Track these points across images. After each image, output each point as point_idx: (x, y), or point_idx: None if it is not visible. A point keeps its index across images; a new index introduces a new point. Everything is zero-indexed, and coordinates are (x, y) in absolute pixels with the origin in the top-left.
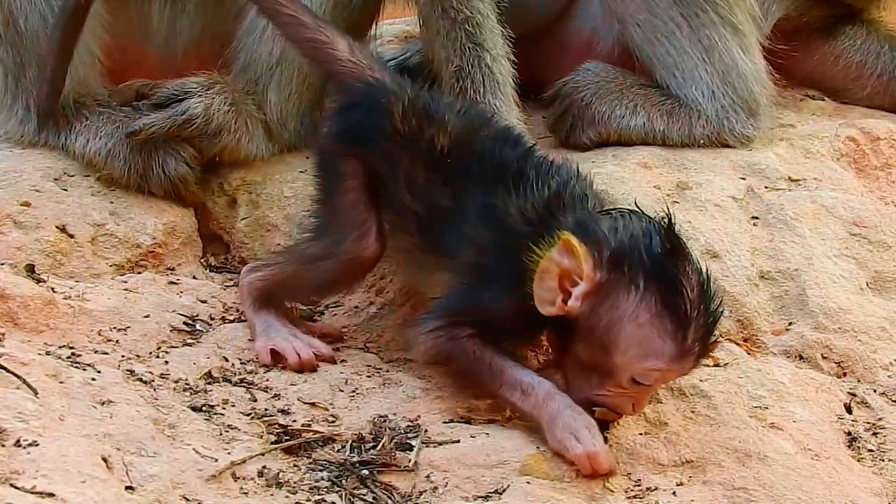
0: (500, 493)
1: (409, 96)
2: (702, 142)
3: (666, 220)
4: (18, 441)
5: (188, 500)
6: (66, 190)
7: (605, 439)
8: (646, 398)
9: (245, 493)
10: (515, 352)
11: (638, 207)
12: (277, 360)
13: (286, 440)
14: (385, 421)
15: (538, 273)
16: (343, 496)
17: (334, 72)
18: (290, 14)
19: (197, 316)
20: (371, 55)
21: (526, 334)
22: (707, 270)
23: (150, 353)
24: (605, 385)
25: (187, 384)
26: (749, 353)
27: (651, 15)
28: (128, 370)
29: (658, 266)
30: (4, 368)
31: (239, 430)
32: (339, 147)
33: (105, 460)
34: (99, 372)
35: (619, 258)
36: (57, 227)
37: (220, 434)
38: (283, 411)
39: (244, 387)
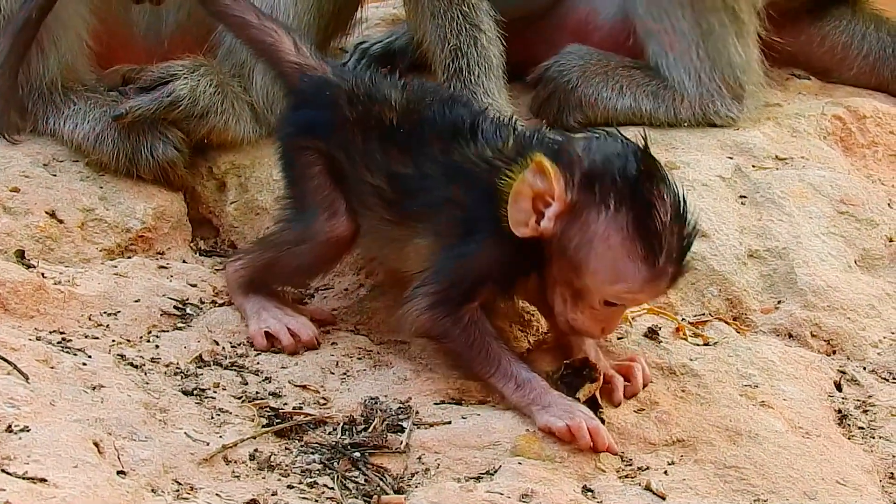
0: (492, 474)
1: (351, 84)
2: (687, 123)
3: (642, 143)
4: (10, 427)
5: (180, 483)
6: (55, 175)
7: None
8: (616, 321)
9: (237, 476)
10: (508, 328)
11: (618, 130)
12: (272, 342)
13: (277, 423)
14: (376, 403)
15: (512, 196)
16: (335, 478)
17: (282, 71)
18: (236, 15)
19: (187, 300)
20: (313, 51)
21: (516, 279)
22: (683, 195)
23: (141, 337)
24: (578, 307)
25: (178, 368)
26: (739, 332)
27: None
28: (118, 355)
29: (631, 188)
30: None
31: (230, 413)
32: (296, 142)
33: (97, 445)
34: (90, 357)
35: (591, 179)
36: (46, 212)
37: (212, 418)
38: (274, 394)
39: (235, 370)
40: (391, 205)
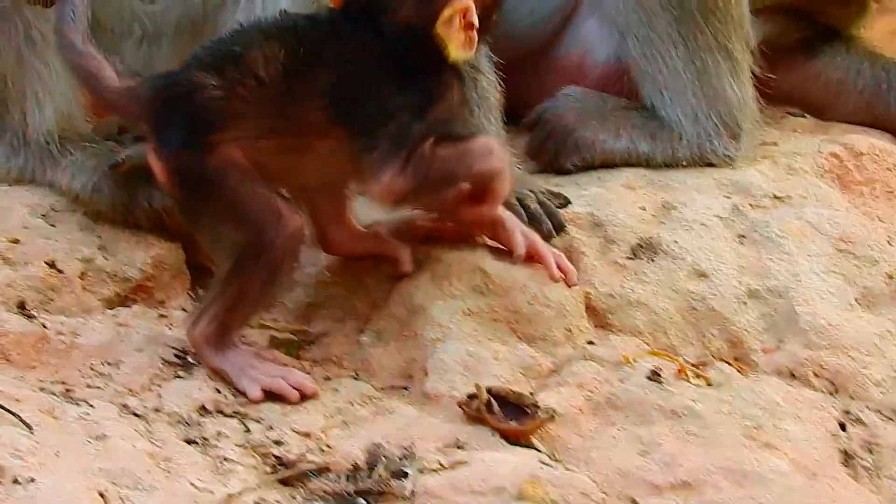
0: None
1: (201, 75)
2: (685, 162)
3: None
4: (15, 478)
5: None
6: (53, 226)
7: None
8: None
9: None
10: None
11: None
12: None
13: (282, 471)
14: (379, 449)
15: (445, 24)
16: None
17: (114, 102)
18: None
19: (188, 348)
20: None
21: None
22: None
23: (143, 386)
24: None
25: (181, 417)
26: (741, 373)
27: (651, 31)
28: (122, 404)
29: None
30: None
31: (234, 462)
32: (192, 158)
33: (102, 495)
34: (93, 407)
35: None
36: (46, 262)
37: (216, 467)
38: (277, 442)
39: (238, 418)
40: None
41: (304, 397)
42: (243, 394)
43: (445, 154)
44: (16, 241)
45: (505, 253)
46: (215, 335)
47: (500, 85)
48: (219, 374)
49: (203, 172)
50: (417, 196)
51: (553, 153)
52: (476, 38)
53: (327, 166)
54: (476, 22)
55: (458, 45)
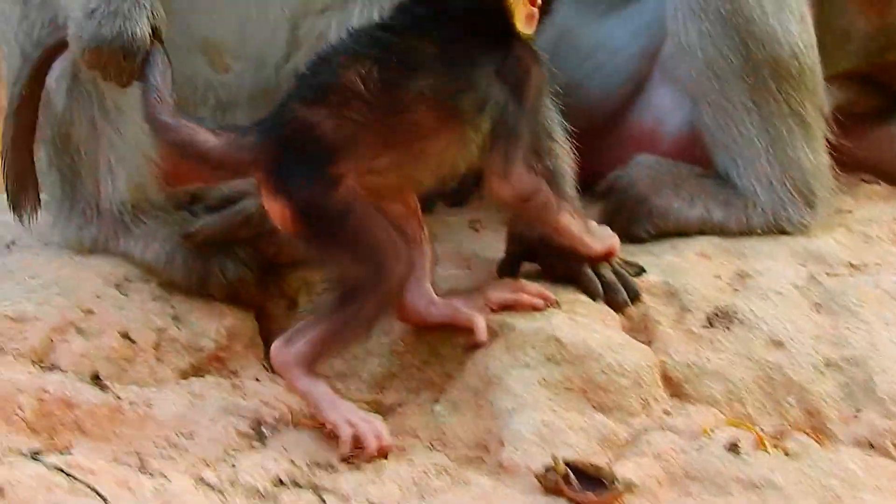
0: None
1: (306, 110)
2: (759, 230)
3: None
4: None
5: None
6: (127, 296)
7: None
8: None
9: None
10: None
11: None
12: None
13: None
14: None
15: (516, 6)
16: None
17: (222, 160)
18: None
19: (262, 419)
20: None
21: None
22: None
23: (218, 458)
24: None
25: (257, 490)
26: (818, 443)
27: (724, 98)
28: (197, 476)
29: None
30: (74, 478)
31: None
32: (317, 195)
33: None
34: (168, 479)
35: None
36: (120, 333)
37: None
38: None
39: (313, 490)
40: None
41: (382, 452)
42: (326, 425)
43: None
44: (89, 312)
45: (580, 322)
46: (309, 358)
47: (573, 153)
48: (304, 397)
49: (329, 207)
50: (536, 197)
51: (627, 221)
52: (537, 16)
53: (441, 166)
54: None
55: (523, 19)
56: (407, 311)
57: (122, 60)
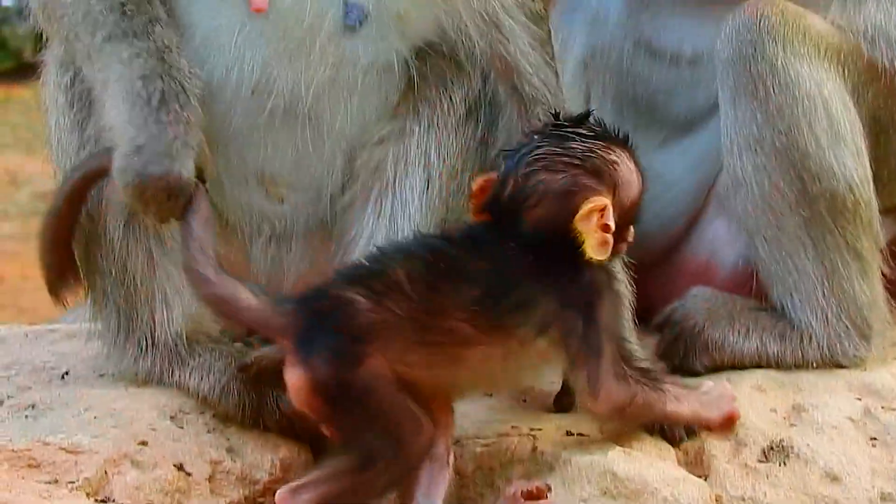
0: None
1: (347, 290)
2: (815, 364)
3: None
4: None
5: None
6: (182, 428)
7: None
8: None
9: None
10: None
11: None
12: None
13: None
14: None
15: (583, 220)
16: None
17: (255, 321)
18: (197, 271)
19: None
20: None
21: None
22: None
23: None
24: None
25: None
26: None
27: (780, 232)
28: None
29: None
30: None
31: None
32: (341, 370)
33: None
34: None
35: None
36: (174, 465)
37: None
38: None
39: None
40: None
41: None
42: None
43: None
44: (144, 444)
45: (636, 456)
46: None
47: (630, 286)
48: None
49: (351, 383)
50: (634, 403)
51: (683, 354)
52: (611, 242)
53: (481, 376)
54: (612, 224)
55: (594, 245)
56: None
57: (166, 200)
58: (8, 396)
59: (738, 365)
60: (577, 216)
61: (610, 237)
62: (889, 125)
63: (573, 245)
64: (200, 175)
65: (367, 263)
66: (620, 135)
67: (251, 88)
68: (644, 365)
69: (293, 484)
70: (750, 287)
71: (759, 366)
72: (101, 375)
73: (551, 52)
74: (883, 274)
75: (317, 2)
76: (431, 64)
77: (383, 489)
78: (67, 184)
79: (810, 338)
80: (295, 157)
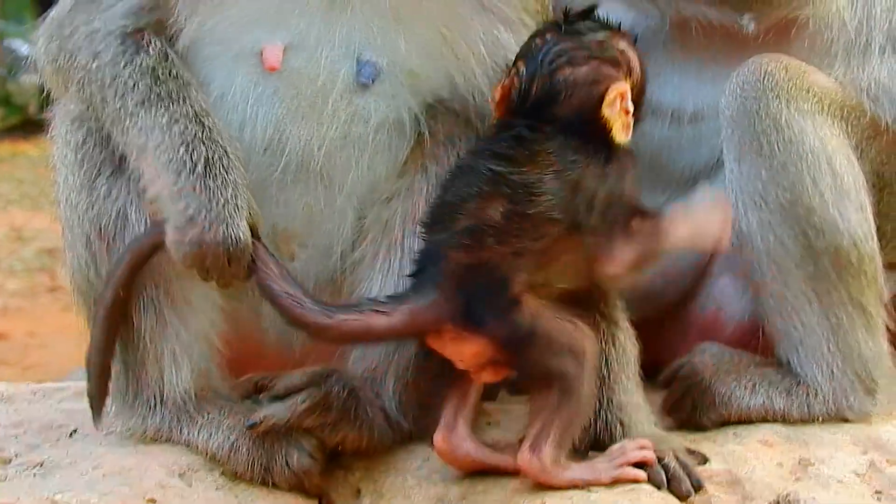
0: None
1: (461, 251)
2: (821, 418)
3: None
4: None
5: None
6: (190, 486)
7: None
8: None
9: None
10: None
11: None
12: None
13: None
14: None
15: (609, 106)
16: None
17: (396, 334)
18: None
19: None
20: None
21: None
22: None
23: None
24: None
25: None
26: None
27: (785, 287)
28: None
29: None
30: None
31: None
32: (508, 320)
33: None
34: None
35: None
36: None
37: None
38: None
39: None
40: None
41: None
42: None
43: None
44: (153, 502)
45: None
46: (558, 456)
47: (636, 341)
48: (575, 485)
49: (521, 325)
50: (645, 262)
51: (690, 409)
52: (631, 123)
53: (568, 270)
54: (631, 107)
55: (620, 128)
56: (450, 452)
57: (227, 265)
58: (16, 455)
59: (744, 420)
60: (604, 103)
61: (631, 119)
62: (892, 181)
63: (603, 131)
64: (255, 233)
65: (456, 219)
66: (619, 25)
67: (264, 146)
68: (644, 208)
69: (526, 445)
70: (757, 342)
71: (765, 420)
72: (110, 433)
73: None
74: (887, 328)
75: (330, 59)
76: (441, 121)
77: (591, 397)
78: (119, 268)
79: (816, 392)
80: (307, 214)
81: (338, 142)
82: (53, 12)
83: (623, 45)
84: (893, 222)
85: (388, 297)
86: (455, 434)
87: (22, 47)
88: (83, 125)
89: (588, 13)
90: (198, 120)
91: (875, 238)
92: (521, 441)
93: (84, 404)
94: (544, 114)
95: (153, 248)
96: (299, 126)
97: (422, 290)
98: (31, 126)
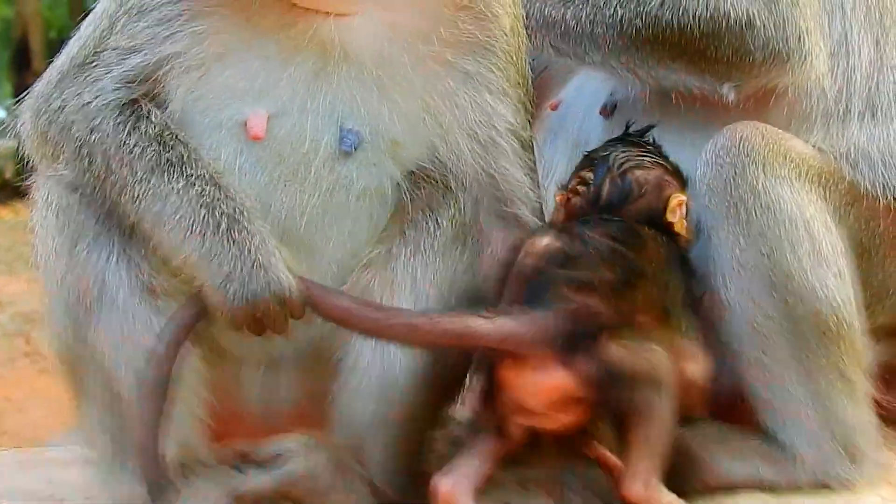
0: None
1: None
2: (805, 487)
3: None
4: None
5: None
6: None
7: None
8: None
9: None
10: None
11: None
12: None
13: None
14: None
15: (672, 212)
16: None
17: (496, 341)
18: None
19: None
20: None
21: None
22: None
23: None
24: None
25: None
26: None
27: (766, 354)
28: None
29: None
30: None
31: None
32: (592, 355)
33: None
34: None
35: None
36: None
37: None
38: None
39: None
40: None
41: None
42: None
43: None
44: None
45: None
46: (654, 480)
47: None
48: None
49: (609, 365)
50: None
51: (678, 479)
52: (690, 229)
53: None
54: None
55: (682, 231)
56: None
57: (279, 308)
58: None
59: (731, 488)
60: (668, 208)
61: (688, 225)
62: (871, 247)
63: (670, 233)
64: (292, 272)
65: (578, 266)
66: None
67: None
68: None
69: (632, 478)
70: (740, 410)
71: (751, 489)
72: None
73: (537, 179)
74: (872, 397)
75: (313, 128)
76: (421, 187)
77: (671, 420)
78: (162, 345)
79: (802, 461)
80: None
81: (320, 209)
82: (38, 87)
83: (673, 163)
84: (873, 288)
85: (491, 308)
86: (462, 487)
87: None
88: (71, 190)
89: (647, 130)
90: (212, 181)
91: (854, 304)
92: (617, 476)
93: (71, 474)
94: (613, 214)
95: (195, 319)
96: (282, 194)
97: (526, 312)
98: (6, 191)
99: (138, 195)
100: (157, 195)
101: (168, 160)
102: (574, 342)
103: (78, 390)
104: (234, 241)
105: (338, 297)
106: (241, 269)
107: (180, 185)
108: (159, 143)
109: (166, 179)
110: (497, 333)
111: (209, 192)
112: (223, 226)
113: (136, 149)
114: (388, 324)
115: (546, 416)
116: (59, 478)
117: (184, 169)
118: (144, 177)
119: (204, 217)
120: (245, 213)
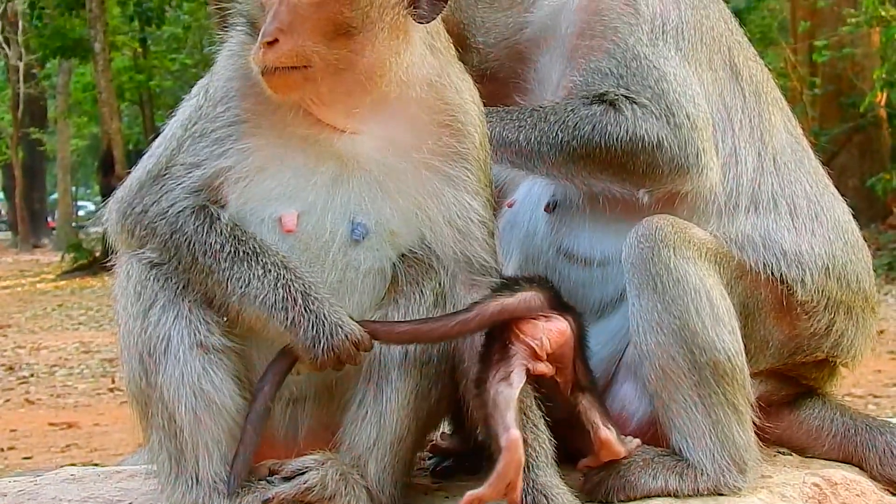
0: None
1: None
2: (704, 493)
3: None
4: None
5: None
6: None
7: None
8: None
9: None
10: None
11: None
12: None
13: None
14: None
15: None
16: None
17: (523, 312)
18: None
19: None
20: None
21: None
22: None
23: None
24: None
25: None
26: None
27: (675, 392)
28: None
29: None
30: None
31: None
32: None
33: None
34: None
35: None
36: None
37: None
38: None
39: None
40: None
41: None
42: None
43: None
44: None
45: None
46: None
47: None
48: None
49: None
50: None
51: (604, 491)
52: None
53: None
54: None
55: None
56: None
57: (356, 350)
58: None
59: (646, 497)
60: None
61: None
62: (755, 310)
63: None
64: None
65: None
66: None
67: None
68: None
69: (601, 426)
70: (655, 434)
71: (660, 496)
72: None
73: (500, 261)
74: (754, 423)
75: (332, 222)
76: (410, 266)
77: None
78: (266, 384)
79: (702, 472)
80: None
81: (336, 284)
82: (120, 192)
83: None
84: (757, 342)
85: (503, 282)
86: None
87: (89, 205)
88: (150, 267)
89: None
90: (283, 265)
91: (743, 354)
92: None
93: (138, 484)
94: None
95: (289, 367)
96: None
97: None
98: (96, 266)
99: (221, 280)
100: (241, 280)
101: (245, 252)
102: (567, 306)
103: (145, 420)
104: (311, 311)
105: (396, 325)
106: (322, 331)
107: (259, 271)
108: (234, 238)
109: (246, 267)
110: (524, 304)
111: (283, 276)
112: (300, 301)
113: (215, 244)
114: (447, 327)
115: (547, 364)
116: (130, 487)
117: (259, 258)
118: (226, 265)
119: (283, 296)
120: (313, 287)
